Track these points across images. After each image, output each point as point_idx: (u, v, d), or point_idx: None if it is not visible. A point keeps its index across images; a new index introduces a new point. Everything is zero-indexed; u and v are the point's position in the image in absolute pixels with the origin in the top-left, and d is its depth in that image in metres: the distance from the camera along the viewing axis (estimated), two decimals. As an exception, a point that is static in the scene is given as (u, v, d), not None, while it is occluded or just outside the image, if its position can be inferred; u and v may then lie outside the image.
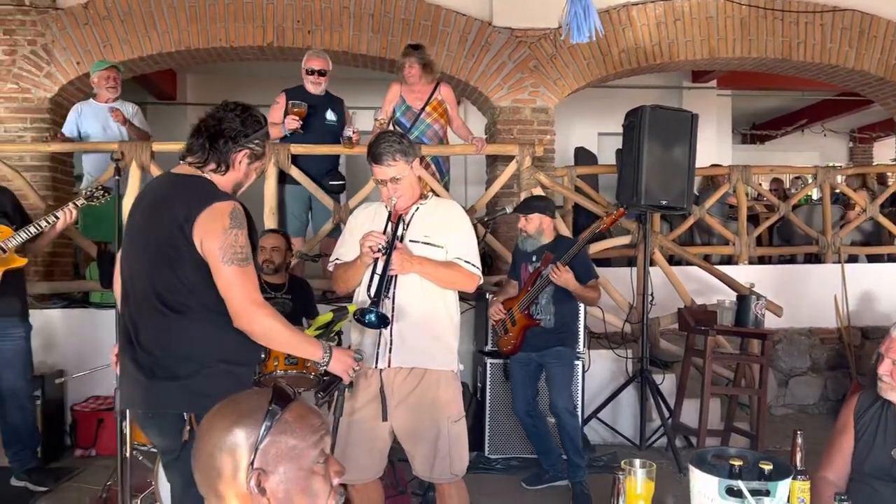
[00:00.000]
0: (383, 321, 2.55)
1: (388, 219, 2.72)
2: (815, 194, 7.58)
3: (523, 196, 5.23)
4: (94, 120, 5.35)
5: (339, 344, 3.51)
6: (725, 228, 6.57)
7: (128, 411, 2.88)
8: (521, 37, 6.27)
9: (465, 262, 2.71)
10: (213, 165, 2.28)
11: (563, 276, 3.84)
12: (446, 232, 2.73)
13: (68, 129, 5.37)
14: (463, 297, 4.53)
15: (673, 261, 6.04)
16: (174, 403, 2.23)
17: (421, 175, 4.94)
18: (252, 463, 1.20)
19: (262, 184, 5.05)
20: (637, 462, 1.99)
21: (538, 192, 5.13)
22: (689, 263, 5.81)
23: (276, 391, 1.28)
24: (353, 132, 5.05)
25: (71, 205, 3.79)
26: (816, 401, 6.26)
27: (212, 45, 6.05)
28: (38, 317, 4.72)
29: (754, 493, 1.82)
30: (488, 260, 5.56)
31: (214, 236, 2.15)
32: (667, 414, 4.73)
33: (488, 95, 6.27)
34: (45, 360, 4.70)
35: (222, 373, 2.23)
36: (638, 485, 1.97)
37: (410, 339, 2.65)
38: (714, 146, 9.38)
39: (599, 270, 4.24)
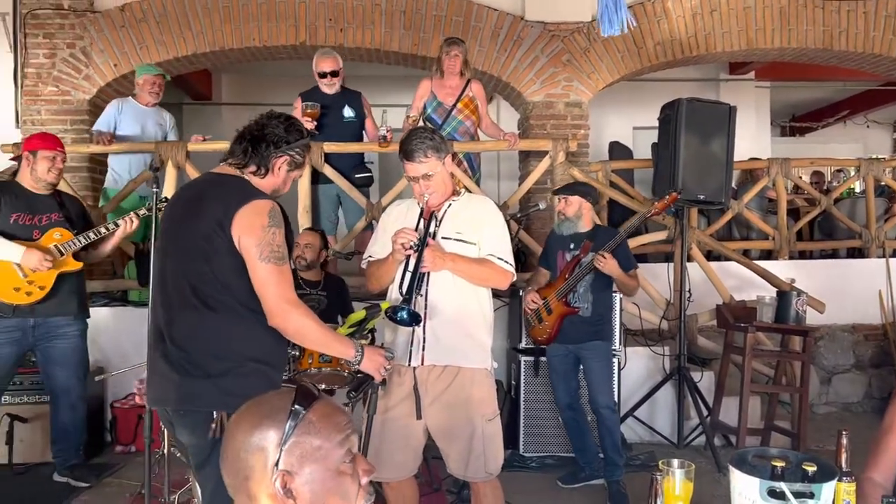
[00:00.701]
0: (415, 319, 2.53)
1: (420, 215, 2.70)
2: (857, 187, 7.40)
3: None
4: (133, 121, 5.41)
5: (373, 342, 3.51)
6: (765, 223, 6.44)
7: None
8: (554, 31, 6.21)
9: (498, 258, 2.68)
10: (253, 168, 2.31)
11: (609, 264, 3.80)
12: (479, 228, 2.70)
13: (105, 122, 5.36)
14: (496, 294, 4.50)
15: (711, 256, 5.94)
16: (205, 401, 2.23)
17: (453, 172, 4.96)
18: (277, 464, 1.19)
19: (295, 183, 5.06)
20: (675, 462, 1.94)
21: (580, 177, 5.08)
22: (727, 259, 5.70)
23: (299, 390, 1.26)
24: (387, 130, 5.05)
25: (133, 214, 3.89)
26: (860, 399, 6.10)
27: (245, 44, 6.10)
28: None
29: (798, 495, 1.76)
30: (522, 257, 5.52)
31: (252, 233, 2.17)
32: (705, 412, 4.65)
33: (521, 90, 6.22)
34: (85, 358, 4.79)
35: (254, 372, 2.23)
36: (676, 485, 1.92)
37: (443, 336, 2.64)
38: (753, 139, 9.19)
39: (638, 269, 4.18)
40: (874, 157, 8.11)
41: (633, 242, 5.35)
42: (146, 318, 3.49)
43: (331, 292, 4.24)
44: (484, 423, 2.66)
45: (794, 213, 7.17)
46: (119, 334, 4.91)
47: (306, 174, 5.14)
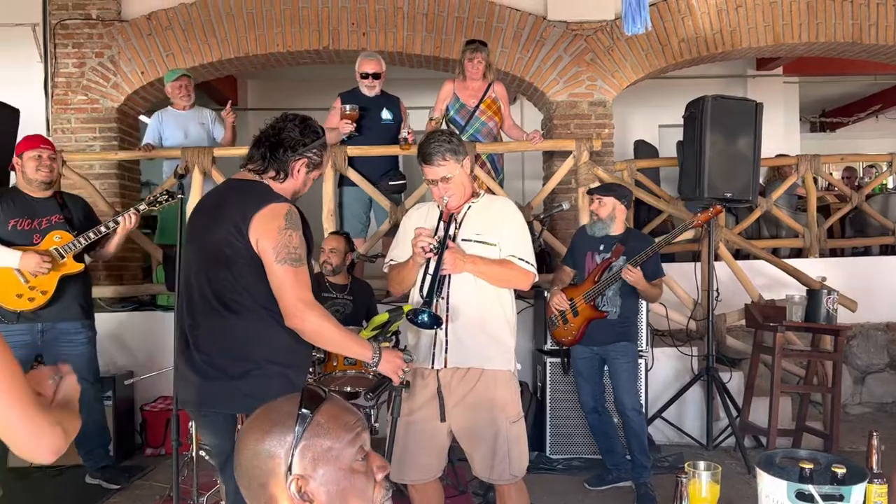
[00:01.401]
0: (436, 322, 2.53)
1: (440, 218, 2.70)
2: (890, 183, 7.26)
3: (581, 192, 5.16)
4: (175, 127, 5.50)
5: (397, 344, 3.52)
6: (794, 220, 6.34)
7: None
8: (577, 30, 6.18)
9: (520, 259, 2.67)
10: (272, 173, 2.35)
11: (635, 276, 3.78)
12: (499, 229, 2.69)
13: (151, 136, 5.50)
14: (521, 295, 4.51)
15: (740, 255, 5.86)
16: (225, 403, 2.30)
17: (476, 173, 4.96)
18: (290, 469, 1.19)
19: (320, 186, 5.11)
20: (702, 464, 1.91)
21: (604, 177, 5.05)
22: (756, 257, 5.62)
23: (305, 394, 1.25)
24: (409, 132, 5.06)
25: (132, 210, 3.89)
26: (895, 399, 5.98)
27: (269, 50, 6.15)
28: (109, 319, 4.90)
29: (827, 497, 1.72)
30: (546, 257, 5.49)
31: (269, 236, 2.21)
32: (735, 413, 4.58)
33: (544, 90, 6.19)
34: (115, 362, 4.86)
35: (273, 374, 2.28)
36: (703, 488, 1.90)
37: (466, 339, 2.63)
38: (781, 135, 9.07)
39: (663, 266, 4.14)
40: (907, 151, 7.94)
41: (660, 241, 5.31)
42: (173, 322, 3.57)
43: (357, 296, 4.26)
44: (508, 425, 2.65)
45: (824, 210, 7.06)
46: (148, 338, 4.98)
47: (330, 178, 5.17)
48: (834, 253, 6.65)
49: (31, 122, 5.45)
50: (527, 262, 2.68)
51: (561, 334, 4.11)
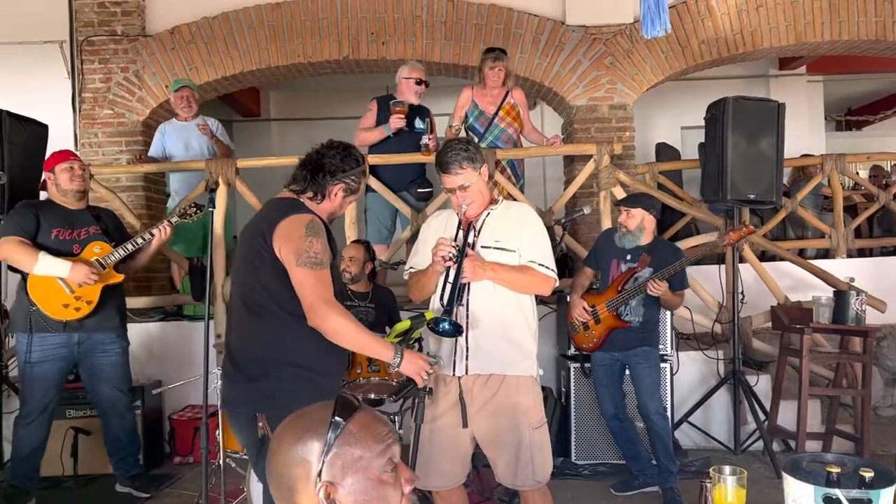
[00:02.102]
0: (457, 330, 2.55)
1: (459, 226, 2.72)
2: (919, 181, 7.14)
3: (602, 196, 5.15)
4: (177, 139, 5.59)
5: (420, 351, 3.53)
6: (820, 221, 6.26)
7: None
8: (596, 34, 6.18)
9: (540, 265, 2.67)
10: (310, 194, 2.53)
11: (661, 290, 3.77)
12: (518, 235, 2.70)
13: (155, 149, 5.62)
14: (543, 300, 4.50)
15: (765, 256, 5.80)
16: (244, 403, 2.45)
17: (497, 179, 4.96)
18: (320, 475, 1.21)
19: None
20: (727, 469, 1.90)
21: (618, 191, 5.02)
22: (781, 259, 5.56)
23: (339, 402, 1.28)
24: (430, 139, 5.07)
25: (165, 222, 3.98)
26: (928, 401, 5.88)
27: (290, 61, 6.23)
28: (137, 330, 4.96)
29: (854, 502, 1.71)
30: (569, 262, 5.48)
31: (290, 242, 2.35)
32: (762, 417, 4.53)
33: (563, 95, 6.19)
34: (143, 371, 4.93)
35: (291, 376, 2.38)
36: (728, 492, 1.88)
37: (486, 345, 2.64)
38: (806, 135, 8.98)
39: (687, 269, 4.12)
40: (935, 149, 7.82)
41: (684, 245, 5.27)
42: (201, 331, 3.62)
43: (379, 304, 4.28)
44: (531, 431, 2.65)
45: (851, 210, 6.96)
46: (175, 348, 5.04)
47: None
48: (862, 253, 6.55)
49: (60, 138, 5.55)
50: (547, 267, 2.68)
51: (582, 340, 4.10)
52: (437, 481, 2.71)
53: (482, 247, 2.69)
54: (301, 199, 2.51)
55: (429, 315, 2.61)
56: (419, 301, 2.90)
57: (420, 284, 2.77)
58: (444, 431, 2.68)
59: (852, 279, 4.94)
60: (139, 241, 3.93)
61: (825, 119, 10.32)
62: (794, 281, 5.46)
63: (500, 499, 3.86)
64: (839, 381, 4.79)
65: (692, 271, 4.90)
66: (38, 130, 4.68)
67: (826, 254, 6.28)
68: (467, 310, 2.64)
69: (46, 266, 3.71)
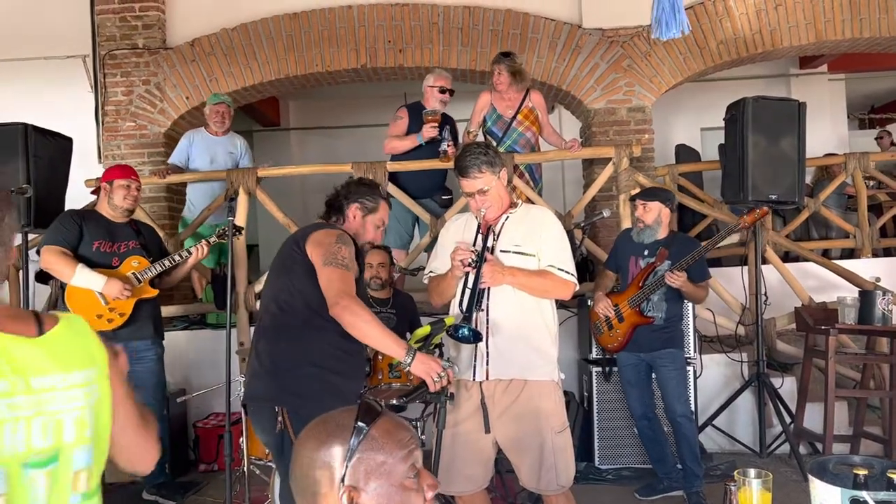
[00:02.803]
0: (476, 336, 2.56)
1: (478, 230, 2.72)
2: (945, 178, 7.02)
3: (622, 198, 5.12)
4: (203, 151, 5.60)
5: (441, 357, 3.54)
6: (844, 221, 6.18)
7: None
8: (613, 37, 6.16)
9: (559, 269, 2.67)
10: (333, 218, 2.80)
11: (680, 281, 3.74)
12: (537, 239, 2.70)
13: (178, 156, 5.60)
14: (564, 304, 4.48)
15: (789, 257, 5.74)
16: (264, 396, 2.55)
17: (515, 184, 4.96)
18: (343, 480, 1.22)
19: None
20: (752, 472, 1.88)
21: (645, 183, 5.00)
22: (805, 259, 5.50)
23: (362, 407, 1.29)
24: (449, 145, 5.08)
25: (204, 242, 4.08)
26: (959, 402, 5.76)
27: (309, 71, 6.27)
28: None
29: (882, 504, 1.68)
30: (589, 265, 5.46)
31: (320, 246, 2.54)
32: (788, 419, 4.48)
33: (581, 99, 6.18)
34: (168, 380, 4.97)
35: (312, 375, 2.48)
36: (754, 496, 1.86)
37: (507, 351, 2.64)
38: (829, 134, 8.89)
39: (710, 271, 4.09)
40: (961, 146, 7.69)
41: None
42: (224, 340, 3.67)
43: (399, 309, 4.29)
44: (553, 436, 2.64)
45: (876, 209, 6.87)
46: (199, 356, 5.09)
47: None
48: (888, 252, 6.46)
49: (84, 151, 5.66)
50: (566, 271, 2.68)
51: (606, 341, 4.08)
52: (459, 486, 2.72)
53: (501, 251, 2.69)
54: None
55: (449, 320, 2.62)
56: (438, 306, 2.91)
57: (439, 289, 2.78)
58: (466, 436, 2.68)
59: (878, 279, 4.88)
60: (176, 258, 4.04)
61: (848, 117, 10.21)
62: (818, 282, 5.39)
63: (523, 503, 3.85)
64: (866, 382, 4.72)
65: (715, 274, 4.87)
66: (63, 144, 4.76)
67: (851, 254, 6.20)
68: (487, 315, 2.65)
69: (83, 278, 3.81)
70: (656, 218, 3.94)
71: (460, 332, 2.53)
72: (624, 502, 4.03)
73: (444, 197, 5.30)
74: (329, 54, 6.25)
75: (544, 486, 2.67)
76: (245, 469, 3.62)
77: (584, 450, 4.46)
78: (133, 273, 3.94)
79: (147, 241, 4.13)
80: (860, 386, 4.78)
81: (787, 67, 8.99)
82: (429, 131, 5.02)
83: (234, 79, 6.28)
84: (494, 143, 5.13)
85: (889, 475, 1.74)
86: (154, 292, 4.05)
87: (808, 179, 6.55)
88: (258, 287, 4.96)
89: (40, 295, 4.74)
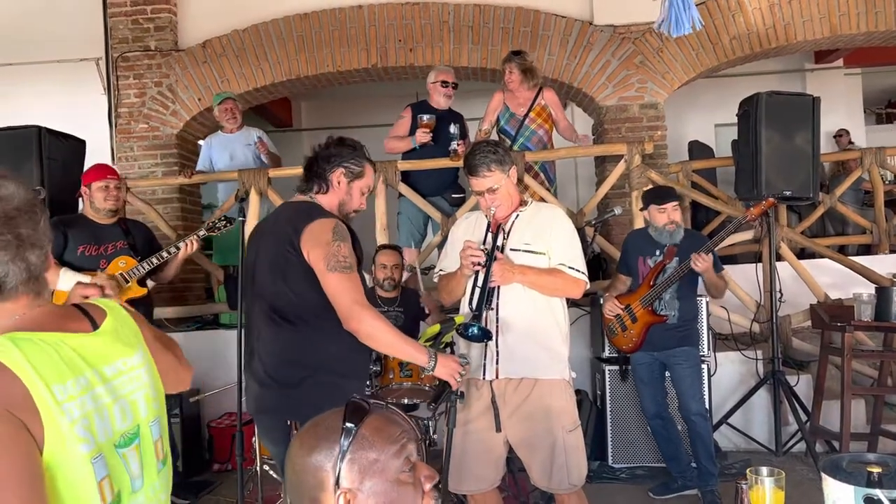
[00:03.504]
0: (486, 335, 2.55)
1: (488, 228, 2.71)
2: (963, 173, 6.94)
3: (634, 196, 5.09)
4: (222, 151, 5.67)
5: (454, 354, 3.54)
6: (861, 216, 6.11)
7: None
8: (624, 33, 6.12)
9: (570, 268, 2.65)
10: (315, 188, 2.54)
11: (707, 264, 3.70)
12: (548, 238, 2.68)
13: (202, 163, 5.71)
14: (576, 303, 4.46)
15: (804, 254, 5.69)
16: (278, 410, 2.44)
17: (528, 183, 4.94)
18: (337, 483, 1.21)
19: (373, 200, 5.17)
20: (764, 470, 1.85)
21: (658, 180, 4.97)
22: (821, 256, 5.45)
23: (349, 407, 1.26)
24: (459, 144, 5.06)
25: (193, 236, 4.04)
26: (979, 399, 5.68)
27: (320, 71, 6.29)
28: (175, 339, 5.04)
29: (897, 503, 1.66)
30: (603, 263, 5.43)
31: (319, 247, 2.36)
32: (804, 417, 4.43)
33: (593, 96, 6.15)
34: (182, 380, 5.00)
35: (325, 384, 2.38)
36: (766, 495, 1.84)
37: (517, 349, 2.63)
38: (845, 129, 8.78)
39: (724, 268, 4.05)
40: (980, 139, 7.59)
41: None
42: (236, 339, 3.66)
43: (407, 307, 4.29)
44: (565, 434, 2.63)
45: (893, 205, 6.78)
46: (212, 356, 5.10)
47: (382, 193, 5.21)
48: (905, 248, 6.39)
49: (97, 152, 5.68)
50: (577, 270, 2.67)
51: (621, 342, 4.05)
52: (471, 485, 2.71)
53: (511, 249, 2.68)
54: (313, 199, 2.53)
55: (459, 319, 2.61)
56: (449, 304, 2.91)
57: (449, 288, 2.78)
58: (476, 435, 2.67)
59: (895, 275, 4.82)
60: (164, 254, 3.99)
61: (864, 112, 10.10)
62: (834, 278, 5.33)
63: (536, 503, 3.83)
64: (883, 379, 4.66)
65: (730, 271, 4.82)
66: (76, 146, 4.79)
67: (867, 250, 6.13)
68: (497, 314, 2.64)
69: (68, 282, 3.75)
70: (682, 215, 3.94)
71: (470, 330, 2.52)
72: (638, 501, 4.01)
73: (455, 195, 5.29)
74: (340, 54, 6.26)
75: (556, 485, 2.66)
76: (258, 468, 3.62)
77: (597, 448, 4.44)
78: (120, 273, 3.89)
79: (136, 241, 4.07)
80: (877, 383, 4.72)
81: (802, 62, 8.91)
82: (421, 136, 5.02)
83: (246, 80, 6.31)
84: (508, 142, 5.12)
85: (904, 473, 1.72)
86: (143, 291, 4.00)
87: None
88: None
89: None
